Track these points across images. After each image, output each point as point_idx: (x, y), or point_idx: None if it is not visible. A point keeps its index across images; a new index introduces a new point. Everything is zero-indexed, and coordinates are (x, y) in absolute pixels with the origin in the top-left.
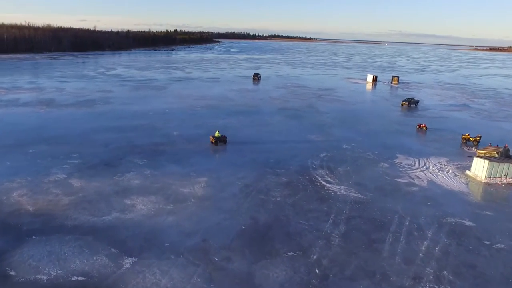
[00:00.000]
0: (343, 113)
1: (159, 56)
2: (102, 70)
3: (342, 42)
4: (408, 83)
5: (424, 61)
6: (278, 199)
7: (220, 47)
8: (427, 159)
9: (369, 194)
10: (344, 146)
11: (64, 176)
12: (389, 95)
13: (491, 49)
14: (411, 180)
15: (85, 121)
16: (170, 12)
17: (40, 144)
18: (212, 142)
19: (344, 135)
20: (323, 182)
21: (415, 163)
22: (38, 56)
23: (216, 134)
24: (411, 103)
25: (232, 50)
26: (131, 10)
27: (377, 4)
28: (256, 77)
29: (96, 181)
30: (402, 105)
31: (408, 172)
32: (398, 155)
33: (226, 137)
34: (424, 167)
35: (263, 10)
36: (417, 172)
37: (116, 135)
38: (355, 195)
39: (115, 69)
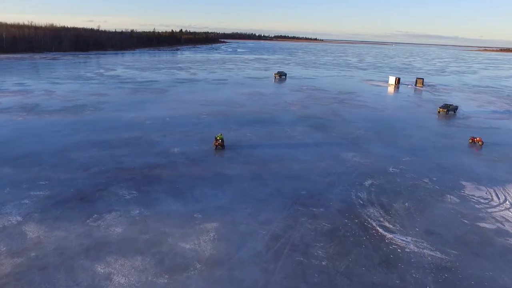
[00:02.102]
0: (374, 123)
1: (163, 56)
2: (101, 70)
3: (349, 43)
4: (433, 85)
5: (440, 62)
6: (323, 262)
7: (226, 47)
8: (504, 188)
9: (452, 251)
10: (390, 169)
11: (19, 219)
12: (418, 99)
13: (501, 49)
14: (501, 226)
15: (67, 133)
16: (176, 13)
17: (2, 165)
18: (216, 145)
19: (385, 153)
20: (380, 230)
21: (491, 196)
22: (37, 56)
23: (219, 136)
24: (449, 110)
25: (239, 50)
26: (138, 11)
27: (383, 5)
28: (278, 75)
29: (61, 228)
30: (439, 112)
31: (489, 210)
32: (463, 183)
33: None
34: (507, 202)
35: (269, 11)
36: (502, 211)
37: (101, 152)
38: (433, 253)
39: (115, 70)
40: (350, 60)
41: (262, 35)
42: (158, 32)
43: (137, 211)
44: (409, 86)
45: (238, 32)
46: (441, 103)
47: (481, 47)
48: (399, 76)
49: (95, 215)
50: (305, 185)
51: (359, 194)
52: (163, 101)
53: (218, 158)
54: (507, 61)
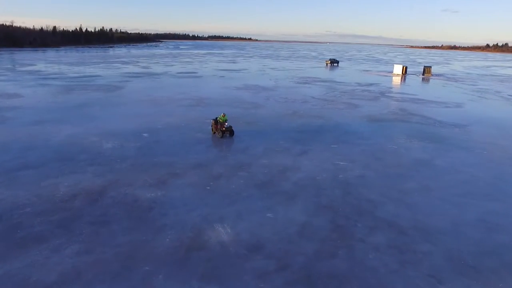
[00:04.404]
0: (487, 127)
1: (96, 52)
2: (14, 66)
3: (284, 42)
4: (441, 75)
5: (393, 55)
6: None
7: (164, 45)
8: None
9: None
10: None
11: None
12: (460, 90)
13: (425, 47)
14: None
15: None
16: (103, 15)
17: None
18: (213, 132)
19: None
20: None
21: None
22: None
23: (221, 117)
24: None
25: (182, 47)
26: (60, 13)
27: (313, 5)
28: (329, 62)
29: None
30: None
31: None
32: None
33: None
34: None
35: (201, 12)
36: None
37: None
38: None
39: (34, 65)
40: (310, 54)
41: (196, 35)
42: (87, 29)
43: None
44: (419, 76)
45: (172, 32)
46: (489, 93)
47: (403, 45)
48: (385, 67)
49: None
50: None
51: None
52: (121, 103)
53: None
54: (452, 56)
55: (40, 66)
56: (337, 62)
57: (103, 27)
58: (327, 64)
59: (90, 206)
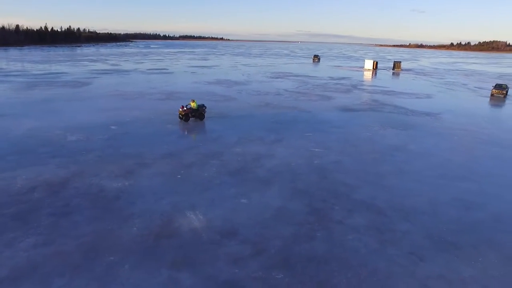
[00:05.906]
0: (459, 115)
1: (63, 51)
2: None
3: (256, 41)
4: (410, 69)
5: (363, 52)
6: None
7: (135, 45)
8: None
9: None
10: None
11: None
12: (429, 83)
13: (394, 45)
14: None
15: None
16: (70, 14)
17: None
18: (180, 117)
19: None
20: None
21: None
22: None
23: (192, 103)
24: (506, 92)
25: (153, 46)
26: (25, 11)
27: (284, 6)
28: (316, 58)
29: None
30: (492, 94)
31: None
32: None
33: (205, 109)
34: None
35: (171, 12)
36: None
37: None
38: None
39: None
40: (282, 51)
41: (168, 35)
42: (52, 28)
43: None
44: (389, 70)
45: (142, 32)
46: (456, 85)
47: (373, 44)
48: (356, 63)
49: None
50: None
51: None
52: (88, 97)
53: None
54: (421, 53)
55: (1, 64)
56: (319, 57)
57: (70, 26)
58: (313, 60)
59: (50, 197)
